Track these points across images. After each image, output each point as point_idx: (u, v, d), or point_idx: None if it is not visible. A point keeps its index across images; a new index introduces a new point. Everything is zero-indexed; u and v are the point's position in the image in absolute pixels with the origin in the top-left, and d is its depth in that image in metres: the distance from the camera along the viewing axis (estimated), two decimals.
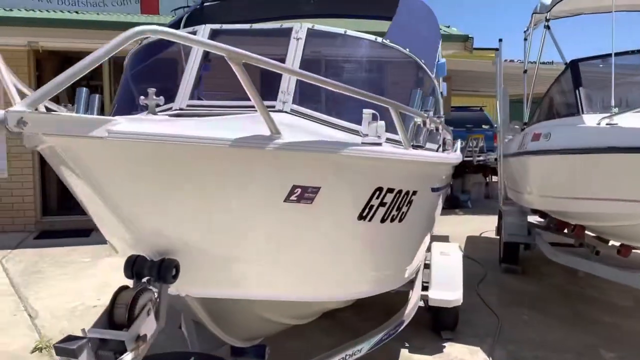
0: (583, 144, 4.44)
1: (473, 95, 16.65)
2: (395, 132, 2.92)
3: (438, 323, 4.82)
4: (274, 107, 2.89)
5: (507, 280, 6.91)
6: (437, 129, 3.10)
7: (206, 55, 3.20)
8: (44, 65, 9.65)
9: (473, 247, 8.67)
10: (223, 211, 2.15)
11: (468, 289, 6.44)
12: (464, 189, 12.83)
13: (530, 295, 6.24)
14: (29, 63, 9.03)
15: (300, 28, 3.15)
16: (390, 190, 2.73)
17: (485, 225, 9.87)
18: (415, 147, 3.04)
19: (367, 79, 3.26)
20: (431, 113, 3.10)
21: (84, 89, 3.26)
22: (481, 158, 13.10)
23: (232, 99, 2.99)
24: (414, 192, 2.99)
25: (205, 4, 4.36)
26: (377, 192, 2.66)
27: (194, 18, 4.36)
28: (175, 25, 4.28)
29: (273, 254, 2.43)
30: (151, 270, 2.09)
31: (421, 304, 4.37)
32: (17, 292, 6.13)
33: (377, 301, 3.59)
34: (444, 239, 6.88)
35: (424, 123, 2.85)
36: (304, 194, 2.30)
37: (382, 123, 2.55)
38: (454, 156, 3.49)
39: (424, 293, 4.54)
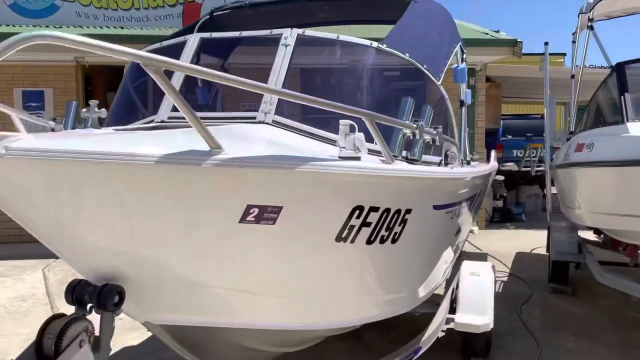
0: (626, 155, 3.98)
1: (529, 102, 15.86)
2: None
3: (468, 349, 4.44)
4: (255, 118, 2.71)
5: (554, 302, 6.38)
6: (433, 141, 2.79)
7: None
8: (94, 80, 9.96)
9: (521, 265, 8.13)
10: (166, 233, 1.97)
11: (509, 311, 6.02)
12: (518, 201, 12.16)
13: (578, 319, 5.71)
14: (77, 78, 9.33)
15: (289, 34, 2.98)
16: (373, 209, 2.47)
17: (537, 240, 9.26)
18: (409, 161, 2.77)
19: (361, 85, 3.02)
20: (438, 126, 2.81)
21: (74, 102, 3.21)
22: (541, 168, 12.37)
23: (216, 109, 2.84)
24: (408, 211, 2.71)
25: (214, 13, 4.27)
26: (357, 212, 2.40)
27: (206, 28, 4.26)
28: (187, 33, 4.19)
29: (239, 278, 2.24)
30: (92, 296, 1.94)
31: (453, 325, 4.04)
32: (51, 302, 6.25)
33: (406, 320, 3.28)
34: (481, 256, 6.46)
35: (414, 134, 2.57)
36: (263, 215, 2.09)
37: (360, 135, 2.30)
38: (464, 170, 3.16)
39: (451, 316, 4.22)
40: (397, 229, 2.71)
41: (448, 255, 3.85)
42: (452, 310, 4.21)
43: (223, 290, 2.27)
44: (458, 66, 4.08)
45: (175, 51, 3.14)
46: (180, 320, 2.33)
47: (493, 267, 4.98)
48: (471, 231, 10.20)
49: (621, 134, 4.30)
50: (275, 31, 3.03)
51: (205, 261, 2.12)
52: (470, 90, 4.40)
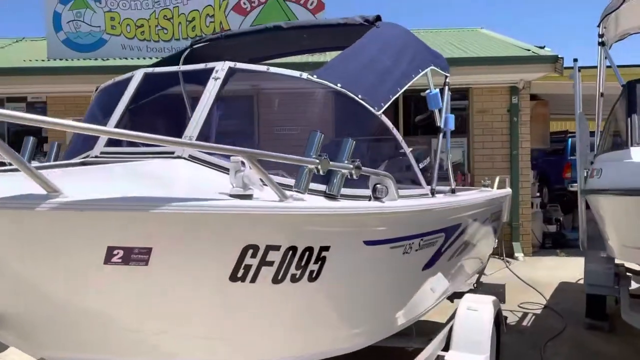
0: (625, 183, 3.62)
1: (589, 119, 14.82)
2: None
3: None
4: (173, 152, 2.71)
5: (586, 339, 5.86)
6: (350, 175, 2.63)
7: (133, 100, 3.14)
8: None
9: (561, 296, 7.56)
10: (36, 274, 1.99)
11: (533, 348, 5.59)
12: (575, 226, 11.34)
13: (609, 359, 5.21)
14: None
15: (221, 67, 2.96)
16: (273, 248, 2.38)
17: None
18: (328, 196, 2.65)
19: (289, 117, 2.94)
20: (355, 160, 2.63)
21: (31, 138, 3.35)
22: None
23: (149, 145, 2.86)
24: (324, 248, 2.58)
25: (194, 46, 4.35)
26: (250, 251, 2.31)
27: (189, 60, 4.35)
28: (174, 60, 4.28)
29: (127, 317, 2.22)
30: None
31: None
32: None
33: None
34: (498, 288, 6.06)
35: (318, 170, 2.44)
36: (131, 255, 2.06)
37: (249, 172, 2.23)
38: (394, 204, 2.88)
39: (442, 353, 3.97)
40: (312, 267, 2.58)
41: (414, 289, 3.62)
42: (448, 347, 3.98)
43: (115, 330, 2.26)
44: (430, 91, 3.88)
45: (124, 85, 3.22)
46: (71, 358, 2.34)
47: (496, 301, 4.66)
48: (515, 258, 9.67)
49: (624, 160, 3.91)
50: (210, 64, 3.03)
51: (85, 302, 2.12)
52: (452, 115, 4.16)
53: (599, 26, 5.57)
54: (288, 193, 2.41)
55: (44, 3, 10.10)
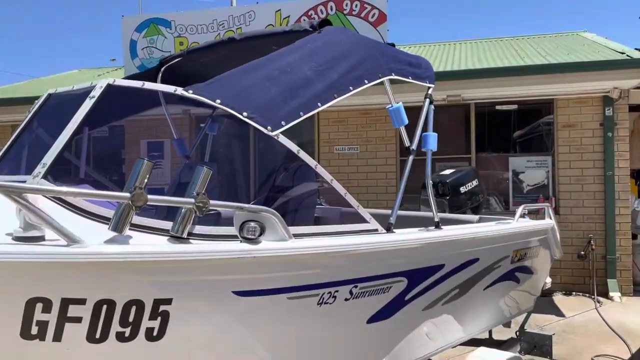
0: None
1: None
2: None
3: None
4: (25, 181, 2.40)
5: None
6: (196, 211, 2.08)
7: (33, 120, 2.92)
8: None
9: None
10: None
11: None
12: None
13: None
14: (190, 128, 9.85)
15: (99, 85, 2.62)
16: (73, 301, 1.94)
17: None
18: (173, 237, 2.15)
19: (163, 136, 2.49)
20: (199, 192, 2.10)
21: None
22: None
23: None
24: (164, 301, 2.09)
25: (164, 65, 4.07)
26: (40, 305, 1.90)
27: (170, 77, 4.09)
28: (153, 74, 4.05)
29: None
30: None
31: None
32: None
33: None
34: (544, 339, 5.01)
35: (132, 206, 1.95)
36: None
37: (21, 213, 1.84)
38: (244, 247, 2.24)
39: None
40: (149, 323, 2.10)
41: (355, 344, 2.94)
42: None
43: None
44: (391, 106, 3.19)
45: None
46: None
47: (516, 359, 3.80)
48: (610, 298, 8.14)
49: None
50: (95, 82, 2.70)
51: None
52: (434, 133, 3.40)
53: None
54: (103, 233, 1.97)
55: (122, 32, 10.66)
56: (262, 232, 2.27)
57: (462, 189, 5.78)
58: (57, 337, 1.98)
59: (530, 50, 9.90)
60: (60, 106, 2.90)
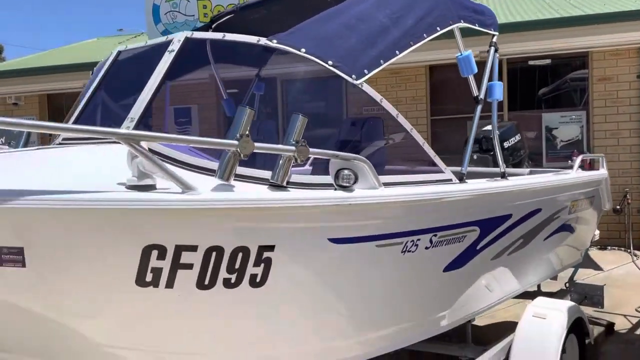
0: None
1: None
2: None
3: None
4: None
5: None
6: (295, 159, 2.08)
7: (105, 80, 2.92)
8: None
9: None
10: None
11: None
12: None
13: None
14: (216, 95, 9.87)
15: (177, 39, 2.61)
16: (186, 248, 1.98)
17: None
18: (272, 185, 2.17)
19: (252, 90, 2.50)
20: (301, 140, 2.11)
21: None
22: None
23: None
24: (267, 248, 2.13)
25: (215, 22, 4.03)
26: (155, 252, 1.95)
27: (221, 30, 4.05)
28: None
29: (17, 321, 1.99)
30: None
31: None
32: None
33: None
34: (593, 289, 5.05)
35: (238, 153, 1.96)
36: (1, 255, 1.81)
37: (140, 159, 1.86)
38: (339, 195, 2.26)
39: None
40: (253, 270, 2.14)
41: (432, 293, 2.99)
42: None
43: (12, 332, 2.05)
44: (460, 54, 3.16)
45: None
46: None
47: (574, 308, 3.83)
48: None
49: None
50: (171, 36, 2.69)
51: None
52: (499, 82, 3.36)
53: None
54: (210, 181, 1.99)
55: None
56: (355, 180, 2.28)
57: (505, 144, 5.73)
58: (170, 283, 2.03)
59: (563, 2, 9.66)
60: (133, 63, 2.90)
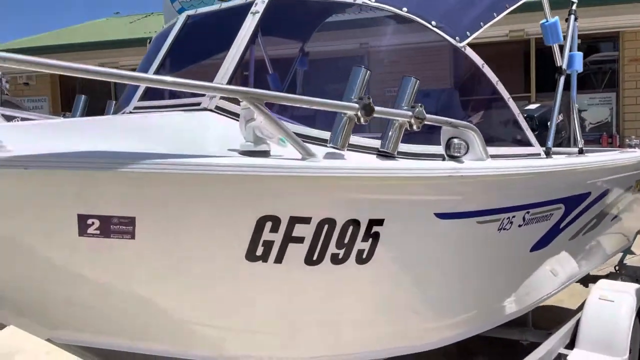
0: None
1: None
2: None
3: None
4: (199, 104, 2.26)
5: None
6: (410, 125, 1.93)
7: (175, 46, 2.74)
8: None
9: None
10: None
11: None
12: None
13: None
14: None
15: (261, 0, 2.43)
16: (299, 220, 1.83)
17: None
18: (382, 154, 2.02)
19: (343, 54, 2.34)
20: (417, 105, 1.96)
21: (83, 96, 3.13)
22: None
23: (181, 96, 2.47)
24: (376, 222, 1.97)
25: None
26: (269, 223, 1.79)
27: None
28: None
29: (111, 298, 1.84)
30: None
31: None
32: None
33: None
34: None
35: (359, 117, 1.80)
36: (111, 226, 1.65)
37: (261, 122, 1.70)
38: (475, 165, 2.14)
39: (565, 351, 3.24)
40: (361, 245, 1.99)
41: (519, 274, 2.86)
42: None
43: (97, 311, 1.91)
44: (546, 20, 2.99)
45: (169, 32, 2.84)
46: (79, 340, 2.03)
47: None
48: None
49: None
50: None
51: (49, 276, 1.77)
52: (579, 53, 3.20)
53: None
54: (320, 149, 1.83)
55: None
56: (467, 151, 2.13)
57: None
58: (279, 258, 1.88)
59: None
60: (206, 27, 2.72)
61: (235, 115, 2.18)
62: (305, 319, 2.08)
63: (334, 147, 1.86)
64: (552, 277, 3.32)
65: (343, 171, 1.79)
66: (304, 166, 1.72)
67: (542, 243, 2.90)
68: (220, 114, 2.20)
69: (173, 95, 2.67)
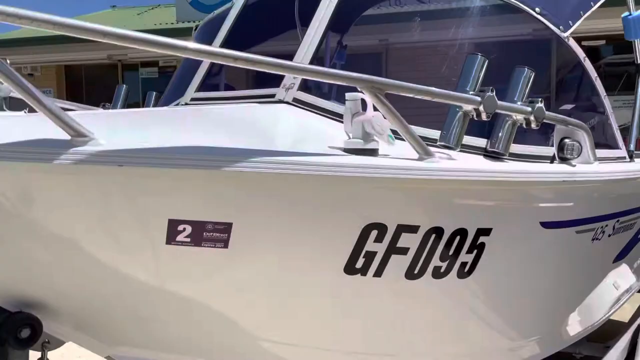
0: None
1: None
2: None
3: None
4: (274, 95, 2.02)
5: None
6: (527, 122, 1.71)
7: (234, 31, 2.51)
8: None
9: None
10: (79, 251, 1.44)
11: None
12: None
13: None
14: None
15: None
16: (408, 229, 1.60)
17: None
18: (490, 155, 1.79)
19: (436, 40, 2.12)
20: (536, 99, 1.76)
21: (124, 86, 2.91)
22: None
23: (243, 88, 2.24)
24: (484, 231, 1.75)
25: None
26: (374, 232, 1.57)
27: None
28: None
29: (190, 313, 1.61)
30: None
31: None
32: None
33: None
34: None
35: (479, 113, 1.58)
36: (203, 234, 1.42)
37: (374, 116, 1.47)
38: (593, 169, 1.94)
39: None
40: (465, 258, 1.77)
41: (601, 287, 2.65)
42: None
43: (174, 327, 1.68)
44: (630, 14, 2.78)
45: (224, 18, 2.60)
46: (141, 357, 1.80)
47: None
48: None
49: None
50: None
51: (130, 289, 1.54)
52: None
53: None
54: (432, 149, 1.61)
55: None
56: (580, 152, 1.91)
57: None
58: (379, 272, 1.66)
59: None
60: (270, 9, 2.49)
61: (314, 108, 1.95)
62: (397, 339, 1.86)
63: (446, 146, 1.63)
64: (620, 289, 3.13)
65: (468, 174, 1.57)
66: (424, 167, 1.50)
67: (624, 253, 2.71)
68: (299, 107, 1.96)
69: (228, 86, 2.44)
